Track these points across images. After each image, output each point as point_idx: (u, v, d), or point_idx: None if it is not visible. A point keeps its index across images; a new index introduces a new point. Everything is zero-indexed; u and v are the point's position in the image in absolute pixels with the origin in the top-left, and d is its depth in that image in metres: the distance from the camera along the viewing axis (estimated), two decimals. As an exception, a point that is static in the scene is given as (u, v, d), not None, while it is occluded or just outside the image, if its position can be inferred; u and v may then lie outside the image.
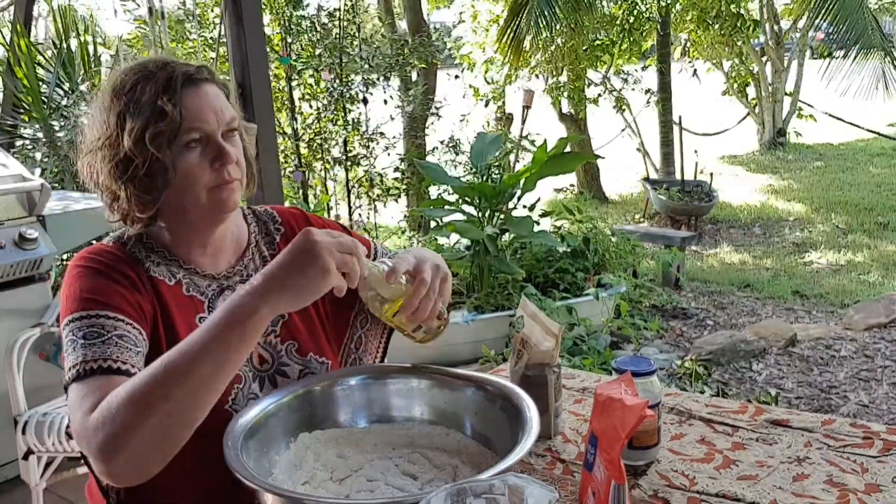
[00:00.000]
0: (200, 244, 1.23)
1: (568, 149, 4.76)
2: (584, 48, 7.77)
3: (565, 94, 8.26)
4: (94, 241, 1.15)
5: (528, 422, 1.07)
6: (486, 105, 8.29)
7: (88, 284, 1.12)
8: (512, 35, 6.57)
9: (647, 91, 8.39)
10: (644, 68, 8.66)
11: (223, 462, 1.00)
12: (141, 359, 1.07)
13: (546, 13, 6.32)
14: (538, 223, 4.69)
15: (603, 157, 6.77)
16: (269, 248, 1.33)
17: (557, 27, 6.76)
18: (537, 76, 8.36)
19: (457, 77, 7.81)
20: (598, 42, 8.00)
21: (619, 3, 8.01)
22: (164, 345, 1.14)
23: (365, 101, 5.92)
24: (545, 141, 4.53)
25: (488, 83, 8.33)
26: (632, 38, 8.07)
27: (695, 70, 10.12)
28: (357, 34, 6.02)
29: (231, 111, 1.18)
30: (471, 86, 8.24)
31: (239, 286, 1.04)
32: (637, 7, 7.94)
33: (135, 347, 1.07)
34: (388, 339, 1.41)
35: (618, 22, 7.99)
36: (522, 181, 4.44)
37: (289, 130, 5.97)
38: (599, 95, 8.42)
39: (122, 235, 1.23)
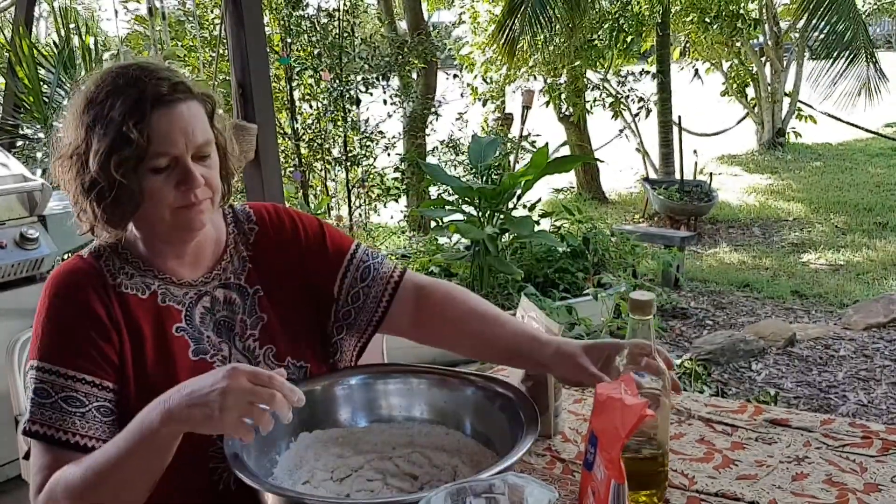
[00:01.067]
0: (175, 255, 1.22)
1: (567, 150, 4.77)
2: (580, 48, 7.77)
3: (563, 96, 8.26)
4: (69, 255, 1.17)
5: (528, 421, 1.08)
6: (484, 104, 8.29)
7: (53, 329, 1.13)
8: (506, 35, 6.57)
9: (641, 99, 8.40)
10: (643, 73, 8.65)
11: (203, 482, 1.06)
12: (89, 417, 1.10)
13: (539, 13, 6.32)
14: (538, 223, 4.69)
15: (602, 161, 6.78)
16: (248, 249, 1.30)
17: (555, 28, 6.76)
18: (535, 77, 8.37)
19: (455, 76, 7.81)
20: (594, 43, 7.99)
21: (613, 2, 8.01)
22: (131, 362, 1.15)
23: (358, 101, 5.92)
24: (546, 144, 4.54)
25: (487, 83, 8.33)
26: (628, 39, 8.07)
27: (696, 71, 10.12)
28: (356, 34, 6.02)
29: (205, 133, 1.14)
30: (469, 84, 8.24)
31: (155, 400, 1.00)
32: (629, 8, 7.93)
33: (80, 409, 1.10)
34: (366, 344, 1.38)
35: (609, 22, 7.97)
36: (522, 182, 4.44)
37: (289, 130, 5.98)
38: (595, 100, 8.42)
39: (99, 246, 1.22)
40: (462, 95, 7.53)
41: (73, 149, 1.12)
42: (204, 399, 0.95)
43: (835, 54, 6.94)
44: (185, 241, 1.20)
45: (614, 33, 7.89)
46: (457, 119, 6.86)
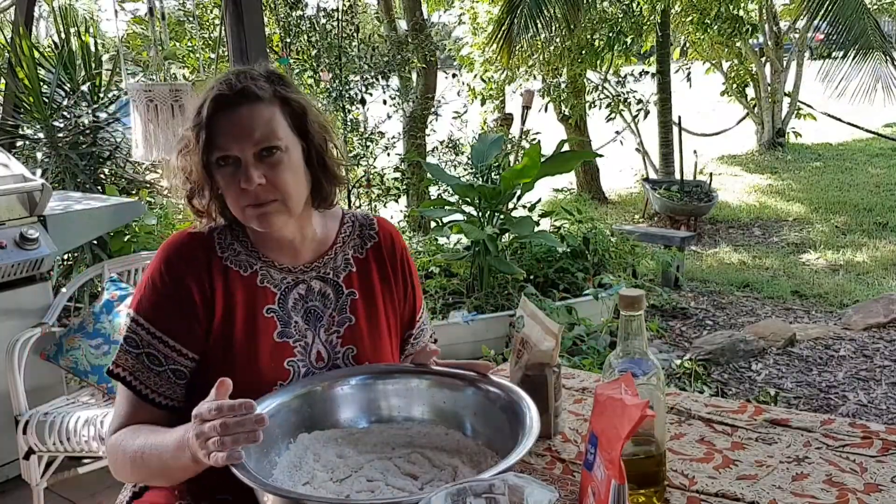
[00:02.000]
0: (276, 245, 1.31)
1: (566, 148, 4.78)
2: (579, 49, 7.77)
3: (563, 97, 8.26)
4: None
5: (528, 422, 1.08)
6: (483, 104, 8.28)
7: (153, 291, 1.26)
8: (503, 34, 6.57)
9: (639, 101, 8.39)
10: (643, 73, 8.65)
11: None
12: (164, 377, 1.24)
13: (535, 13, 6.32)
14: (538, 223, 4.69)
15: (602, 156, 6.78)
16: (356, 251, 1.38)
17: (554, 27, 6.76)
18: (534, 77, 8.37)
19: (454, 75, 7.82)
20: (593, 43, 7.99)
21: (613, 3, 8.01)
22: (220, 334, 1.25)
23: (363, 101, 5.92)
24: (538, 142, 4.54)
25: (484, 83, 8.32)
26: (627, 40, 8.07)
27: (688, 74, 10.09)
28: (355, 34, 6.02)
29: (269, 134, 1.21)
30: (467, 84, 8.25)
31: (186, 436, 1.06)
32: (630, 9, 7.93)
33: (157, 367, 1.23)
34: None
35: (609, 23, 7.97)
36: (521, 182, 4.44)
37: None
38: (594, 101, 8.42)
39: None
40: (459, 94, 7.53)
41: (181, 144, 1.26)
42: (188, 440, 1.04)
43: (843, 52, 6.88)
44: (267, 234, 1.29)
45: (614, 34, 7.88)
46: (454, 118, 6.86)
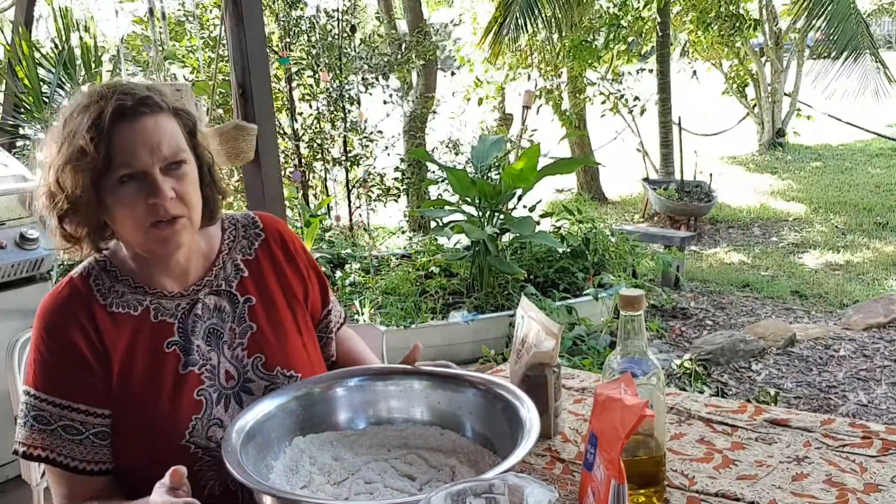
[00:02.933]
0: (162, 269, 1.23)
1: (566, 145, 4.78)
2: (577, 48, 7.76)
3: (563, 96, 8.26)
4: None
5: (528, 422, 1.08)
6: (480, 104, 8.29)
7: (43, 362, 1.16)
8: (494, 32, 6.57)
9: (636, 99, 8.39)
10: (640, 71, 8.66)
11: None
12: (87, 444, 1.15)
13: (528, 13, 6.33)
14: (538, 223, 4.69)
15: (603, 165, 6.79)
16: (244, 254, 1.31)
17: (552, 26, 6.76)
18: (530, 78, 8.37)
19: (453, 74, 7.82)
20: (591, 43, 7.99)
21: (611, 2, 8.01)
22: (119, 383, 1.16)
23: (358, 101, 5.92)
24: (538, 144, 4.54)
25: (481, 83, 8.32)
26: (628, 39, 8.07)
27: (694, 71, 10.12)
28: (352, 35, 6.02)
29: (175, 147, 1.14)
30: (467, 88, 8.25)
31: None
32: (629, 8, 7.93)
33: (77, 437, 1.15)
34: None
35: (607, 24, 7.97)
36: (521, 185, 4.45)
37: (289, 131, 5.98)
38: (588, 99, 8.42)
39: (89, 265, 1.23)
40: (453, 94, 7.53)
41: (47, 166, 1.15)
42: None
43: (835, 53, 6.93)
44: (167, 257, 1.20)
45: (613, 34, 7.88)
46: (450, 118, 6.86)
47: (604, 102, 8.42)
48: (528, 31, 6.61)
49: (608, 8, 8.07)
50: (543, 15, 6.52)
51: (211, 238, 1.30)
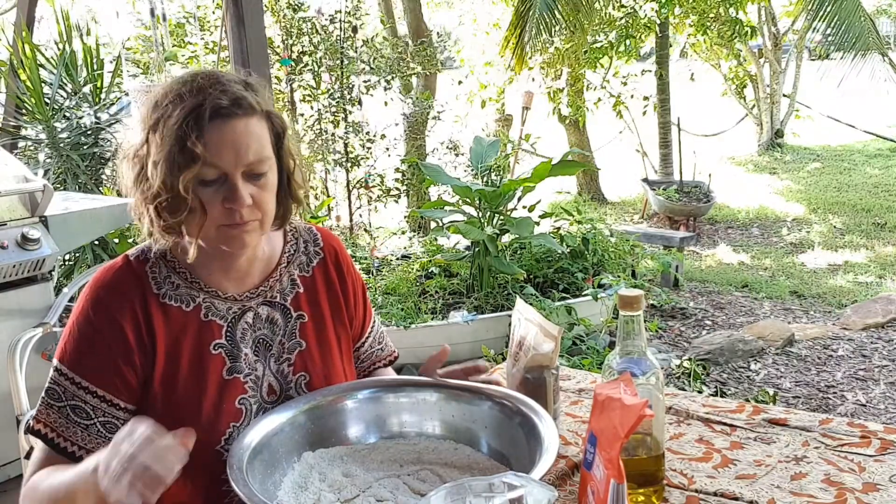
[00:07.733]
0: (222, 269, 1.21)
1: (566, 144, 4.79)
2: (583, 50, 7.77)
3: (564, 99, 8.25)
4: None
5: (547, 438, 1.04)
6: (483, 107, 8.29)
7: (80, 336, 1.14)
8: (516, 42, 6.54)
9: (645, 98, 8.40)
10: (642, 73, 8.66)
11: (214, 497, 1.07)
12: (92, 430, 1.12)
13: (546, 17, 6.31)
14: (538, 224, 4.70)
15: (601, 169, 6.80)
16: (301, 271, 1.29)
17: (556, 29, 6.75)
18: (533, 79, 8.36)
19: (460, 83, 7.83)
20: (596, 44, 7.99)
21: (618, 6, 8.01)
22: (160, 379, 1.15)
23: (360, 102, 5.92)
24: (550, 160, 4.55)
25: (484, 86, 8.33)
26: (629, 41, 8.07)
27: (692, 73, 10.11)
28: (355, 36, 6.03)
29: (260, 152, 1.11)
30: (471, 90, 8.25)
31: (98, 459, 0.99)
32: (636, 11, 7.94)
33: (84, 421, 1.12)
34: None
35: (615, 24, 7.98)
36: (522, 185, 4.46)
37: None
38: (599, 100, 8.42)
39: (147, 250, 1.19)
40: (456, 98, 7.53)
41: (134, 151, 1.12)
42: (106, 474, 0.95)
43: (841, 53, 6.90)
44: (232, 257, 1.19)
45: (618, 37, 7.88)
46: (454, 122, 6.86)
47: (597, 100, 8.40)
48: (551, 37, 6.56)
49: (613, 13, 8.05)
50: (560, 19, 6.48)
51: (273, 245, 1.28)
